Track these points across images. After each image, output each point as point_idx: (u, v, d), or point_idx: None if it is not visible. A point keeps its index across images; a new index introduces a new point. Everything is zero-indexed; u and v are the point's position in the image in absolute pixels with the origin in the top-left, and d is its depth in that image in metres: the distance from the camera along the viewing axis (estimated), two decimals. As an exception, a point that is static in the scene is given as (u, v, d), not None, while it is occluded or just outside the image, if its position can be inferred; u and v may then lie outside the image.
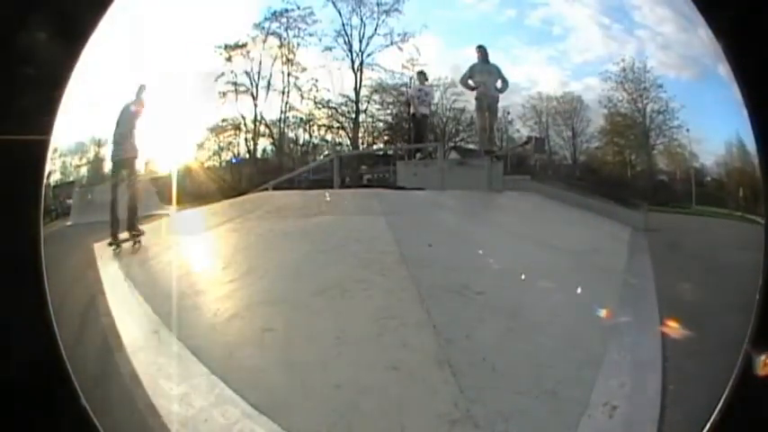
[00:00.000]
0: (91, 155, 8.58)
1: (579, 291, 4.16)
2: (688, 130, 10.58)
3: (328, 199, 5.82)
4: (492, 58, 9.59)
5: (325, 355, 2.73)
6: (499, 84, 8.47)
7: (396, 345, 2.78)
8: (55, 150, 1.97)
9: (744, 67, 1.62)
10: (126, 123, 5.98)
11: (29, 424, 1.55)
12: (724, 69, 1.65)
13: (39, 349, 1.60)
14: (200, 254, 4.82)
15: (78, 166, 8.46)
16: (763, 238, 1.82)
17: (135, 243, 5.34)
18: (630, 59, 10.82)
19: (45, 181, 1.72)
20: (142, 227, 5.48)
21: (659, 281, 4.63)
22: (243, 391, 2.52)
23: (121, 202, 5.83)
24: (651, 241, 6.82)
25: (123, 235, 5.38)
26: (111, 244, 5.34)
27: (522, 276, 4.15)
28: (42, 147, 1.62)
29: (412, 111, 9.98)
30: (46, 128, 1.62)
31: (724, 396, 1.56)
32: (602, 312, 3.67)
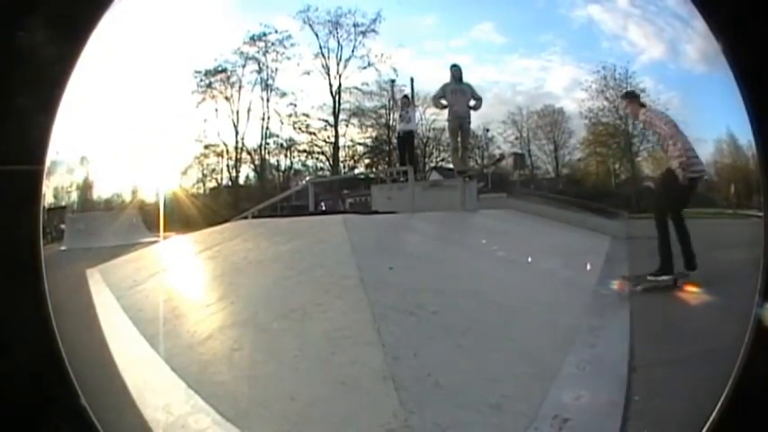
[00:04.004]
0: (81, 180, 8.85)
1: (542, 306, 4.34)
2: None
3: (300, 227, 6.00)
4: (470, 73, 9.65)
5: (283, 371, 2.99)
6: (472, 102, 8.67)
7: (346, 362, 2.98)
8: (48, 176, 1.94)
9: (744, 67, 1.58)
10: None
11: (29, 424, 1.58)
12: (723, 69, 1.60)
13: (39, 349, 1.62)
14: (182, 280, 5.12)
15: (69, 191, 8.74)
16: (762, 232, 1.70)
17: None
18: (612, 66, 11.00)
19: (42, 207, 1.72)
20: (132, 254, 5.75)
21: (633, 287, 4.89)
22: (213, 402, 2.77)
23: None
24: (631, 249, 7.03)
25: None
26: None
27: (482, 295, 4.31)
28: (37, 176, 1.67)
29: (397, 130, 10.06)
30: (40, 158, 1.67)
31: (723, 396, 1.54)
32: (564, 326, 3.80)
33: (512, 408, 2.66)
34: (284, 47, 11.25)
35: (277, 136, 11.42)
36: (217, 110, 10.96)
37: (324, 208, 9.97)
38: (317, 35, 11.51)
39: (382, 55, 11.66)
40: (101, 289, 5.16)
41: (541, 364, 3.16)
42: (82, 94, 1.96)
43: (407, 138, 9.61)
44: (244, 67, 11.12)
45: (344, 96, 11.78)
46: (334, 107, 11.71)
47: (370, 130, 12.14)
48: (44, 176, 1.72)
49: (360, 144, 12.09)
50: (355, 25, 11.58)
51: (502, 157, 12.21)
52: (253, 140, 11.32)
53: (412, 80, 10.04)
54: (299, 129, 11.49)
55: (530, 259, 5.66)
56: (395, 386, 2.71)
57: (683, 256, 5.24)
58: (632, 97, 6.21)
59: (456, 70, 8.70)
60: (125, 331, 3.98)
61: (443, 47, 11.95)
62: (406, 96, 10.16)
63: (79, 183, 8.73)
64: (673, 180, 5.50)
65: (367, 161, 12.23)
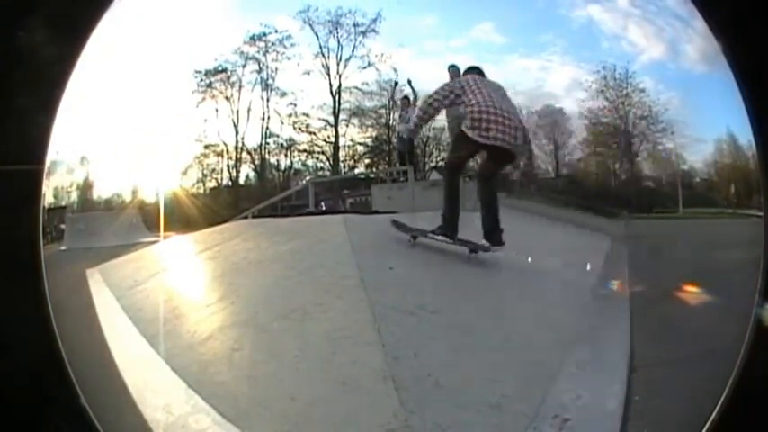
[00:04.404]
0: (81, 180, 8.86)
1: (542, 306, 4.28)
2: (673, 133, 10.80)
3: (300, 227, 6.00)
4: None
5: (283, 371, 2.99)
6: None
7: (346, 362, 2.99)
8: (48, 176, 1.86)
9: (744, 67, 1.58)
10: None
11: (29, 424, 1.58)
12: (723, 69, 1.60)
13: (39, 349, 1.62)
14: (182, 280, 5.12)
15: (69, 191, 8.75)
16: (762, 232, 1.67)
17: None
18: (612, 66, 10.98)
19: (42, 206, 1.73)
20: (132, 254, 5.74)
21: (633, 288, 4.80)
22: (213, 402, 2.78)
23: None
24: (631, 249, 6.96)
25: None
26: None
27: (482, 294, 4.35)
28: (37, 176, 1.67)
29: (397, 131, 10.02)
30: (40, 158, 1.67)
31: (723, 396, 1.53)
32: (564, 327, 3.76)
33: (512, 408, 2.66)
34: (284, 47, 11.23)
35: (277, 136, 11.43)
36: (217, 110, 10.95)
37: (324, 208, 9.96)
38: (317, 35, 11.48)
39: (382, 55, 11.62)
40: (101, 289, 5.14)
41: (541, 364, 3.16)
42: (82, 94, 1.96)
43: (407, 139, 9.50)
44: (244, 67, 11.12)
45: (344, 96, 11.76)
46: (335, 107, 11.69)
47: (370, 130, 12.12)
48: (44, 176, 1.72)
49: (360, 144, 12.08)
50: (355, 25, 11.54)
51: (502, 157, 12.18)
52: (253, 140, 11.34)
53: (410, 81, 10.00)
54: (299, 129, 11.49)
55: (529, 259, 5.63)
56: (395, 386, 2.72)
57: (482, 227, 5.15)
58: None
59: (454, 71, 8.63)
60: (125, 331, 3.96)
61: (443, 47, 11.89)
62: (406, 97, 10.12)
63: (79, 183, 8.73)
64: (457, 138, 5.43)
65: (367, 161, 12.22)
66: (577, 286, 5.04)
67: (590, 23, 10.63)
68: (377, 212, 7.75)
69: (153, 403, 2.88)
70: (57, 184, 8.19)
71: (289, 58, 11.30)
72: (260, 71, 11.12)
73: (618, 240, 7.60)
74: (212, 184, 10.30)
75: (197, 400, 2.87)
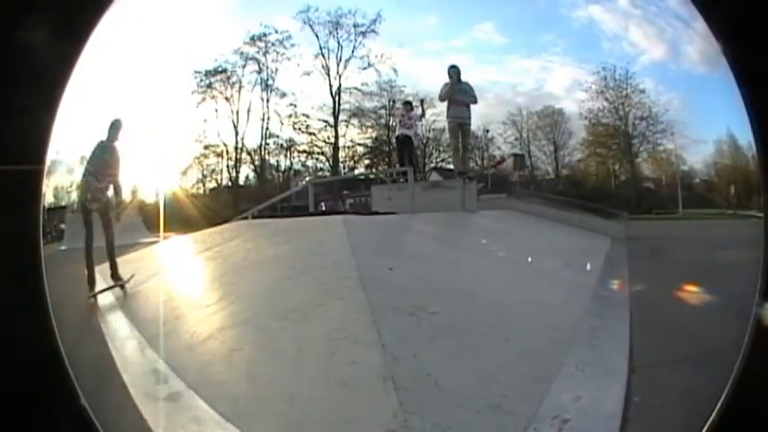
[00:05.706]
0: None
1: (542, 306, 4.29)
2: (673, 134, 10.80)
3: (300, 227, 6.00)
4: (470, 74, 9.60)
5: (283, 371, 2.99)
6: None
7: (345, 362, 2.97)
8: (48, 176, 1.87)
9: (743, 67, 1.58)
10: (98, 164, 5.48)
11: (29, 424, 1.58)
12: (723, 70, 1.61)
13: (39, 349, 1.62)
14: (181, 281, 5.12)
15: (69, 191, 8.72)
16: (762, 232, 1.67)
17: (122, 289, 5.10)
18: (612, 67, 10.99)
19: (42, 206, 1.74)
20: (132, 254, 5.72)
21: (633, 288, 4.81)
22: (213, 402, 2.78)
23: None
24: (631, 250, 7.03)
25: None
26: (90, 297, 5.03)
27: (482, 295, 4.30)
28: (37, 176, 1.68)
29: (396, 134, 10.03)
30: (40, 158, 1.68)
31: (723, 396, 1.53)
32: (564, 326, 3.74)
33: (512, 408, 2.66)
34: (284, 47, 11.24)
35: (277, 136, 11.43)
36: (217, 110, 10.95)
37: (324, 208, 9.96)
38: (317, 35, 11.49)
39: (382, 55, 11.63)
40: (101, 289, 5.16)
41: (541, 364, 3.15)
42: (82, 94, 1.97)
43: (407, 141, 9.57)
44: (244, 67, 11.12)
45: (344, 97, 11.77)
46: (334, 108, 11.69)
47: (369, 130, 12.14)
48: (44, 176, 1.72)
49: (360, 144, 12.09)
50: (355, 26, 11.56)
51: (502, 159, 12.19)
52: (253, 141, 11.34)
53: (421, 102, 10.03)
54: (299, 129, 11.50)
55: (530, 260, 5.64)
56: (395, 386, 2.71)
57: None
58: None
59: (454, 71, 8.67)
60: (125, 331, 3.98)
61: (444, 47, 11.90)
62: (407, 102, 10.14)
63: (79, 183, 8.71)
64: None
65: (367, 162, 12.23)
66: (577, 286, 5.06)
67: (591, 24, 10.65)
68: (377, 213, 7.76)
69: (153, 403, 2.89)
70: (57, 184, 8.16)
71: (289, 59, 11.31)
72: (260, 71, 11.13)
73: (618, 241, 7.62)
74: (212, 184, 10.33)
75: (197, 400, 2.86)
